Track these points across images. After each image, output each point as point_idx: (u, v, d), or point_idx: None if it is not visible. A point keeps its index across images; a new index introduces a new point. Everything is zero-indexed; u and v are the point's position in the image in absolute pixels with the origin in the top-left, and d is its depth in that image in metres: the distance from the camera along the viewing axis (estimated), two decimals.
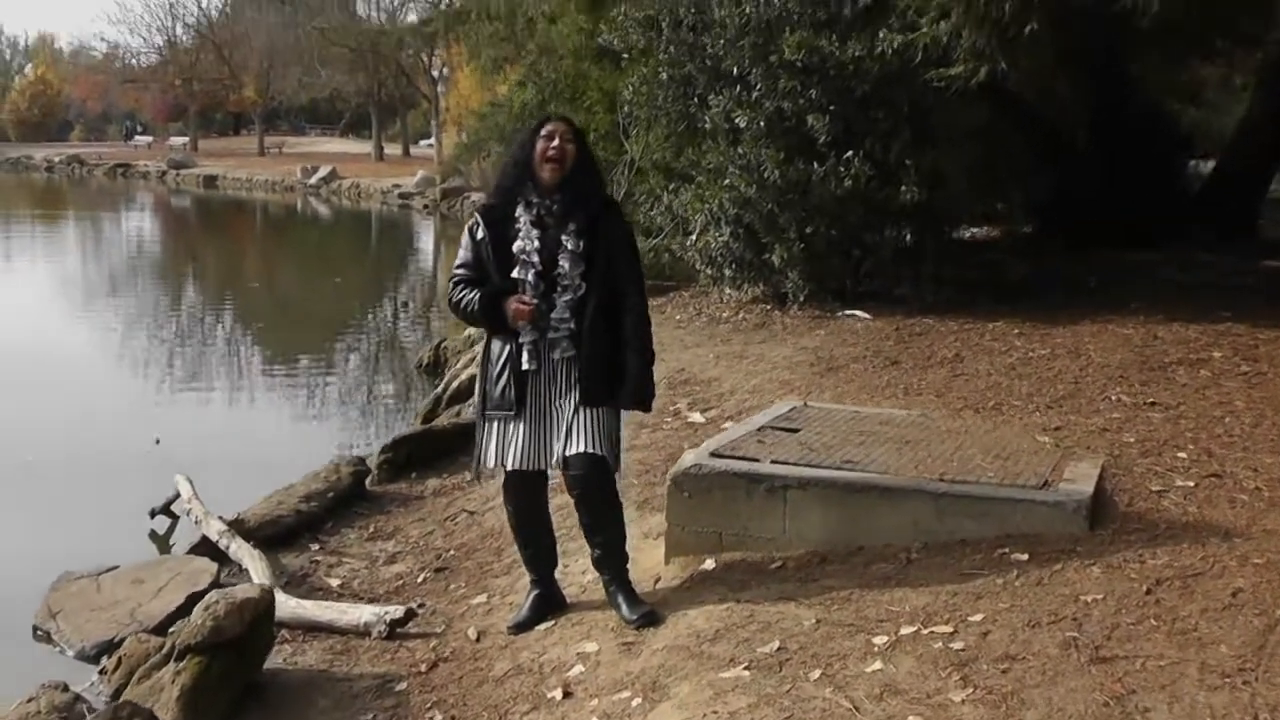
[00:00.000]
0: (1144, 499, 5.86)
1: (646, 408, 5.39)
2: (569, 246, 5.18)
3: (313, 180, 58.49)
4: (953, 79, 10.14)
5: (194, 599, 6.05)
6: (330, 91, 77.37)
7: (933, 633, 4.53)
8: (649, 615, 5.20)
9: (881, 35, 10.82)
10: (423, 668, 5.45)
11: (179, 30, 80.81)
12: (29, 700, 5.17)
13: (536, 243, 5.20)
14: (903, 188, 11.38)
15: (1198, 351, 9.29)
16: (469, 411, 9.99)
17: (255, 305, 22.24)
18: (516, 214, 5.26)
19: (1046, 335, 10.15)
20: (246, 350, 16.97)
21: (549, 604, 5.56)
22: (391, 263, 31.60)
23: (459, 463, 8.79)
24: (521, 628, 5.47)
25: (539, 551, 5.55)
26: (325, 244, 37.43)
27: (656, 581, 5.68)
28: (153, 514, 8.60)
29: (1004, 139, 12.76)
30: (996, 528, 5.41)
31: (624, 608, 5.27)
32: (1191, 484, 6.05)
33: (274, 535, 7.43)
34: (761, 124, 11.62)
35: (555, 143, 5.23)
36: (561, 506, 5.77)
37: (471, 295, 5.27)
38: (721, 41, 12.07)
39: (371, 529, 7.76)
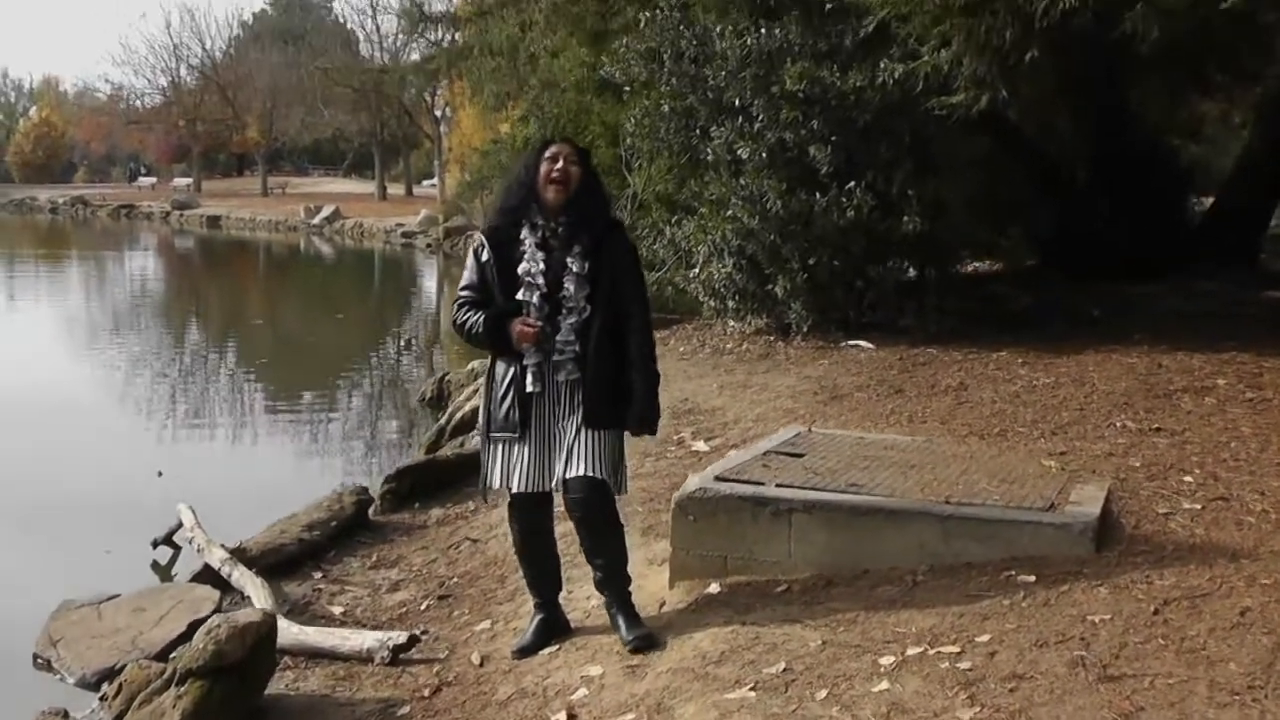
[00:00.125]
0: (1151, 521, 5.84)
1: (653, 430, 5.37)
2: (574, 268, 5.16)
3: (316, 220, 58.68)
4: (954, 107, 10.16)
5: (196, 626, 5.99)
6: (333, 132, 77.78)
7: (939, 653, 4.50)
8: (646, 638, 5.16)
9: (883, 65, 10.87)
10: (426, 692, 5.41)
11: (183, 71, 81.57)
12: None
13: (541, 264, 5.18)
14: (905, 218, 11.41)
15: (1202, 379, 9.28)
16: (472, 442, 9.98)
17: (258, 342, 22.26)
18: (521, 236, 5.24)
19: (1050, 364, 10.15)
20: (249, 386, 16.92)
21: (553, 628, 5.52)
22: (394, 301, 31.66)
23: (462, 492, 8.79)
24: (525, 652, 5.43)
25: (543, 574, 5.51)
26: (328, 283, 37.46)
27: (661, 605, 5.65)
28: (155, 544, 8.57)
29: (1005, 171, 12.83)
30: (1003, 550, 5.39)
31: (623, 629, 5.24)
32: (1198, 507, 6.03)
33: (276, 563, 7.39)
34: (764, 155, 11.66)
35: (559, 164, 5.22)
36: (567, 533, 5.74)
37: (476, 317, 5.26)
38: (723, 73, 12.12)
39: (374, 557, 7.72)
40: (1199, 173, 19.79)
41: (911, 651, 4.54)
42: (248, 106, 77.48)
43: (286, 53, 74.83)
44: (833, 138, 11.47)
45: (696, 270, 13.01)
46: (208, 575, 7.25)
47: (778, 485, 5.84)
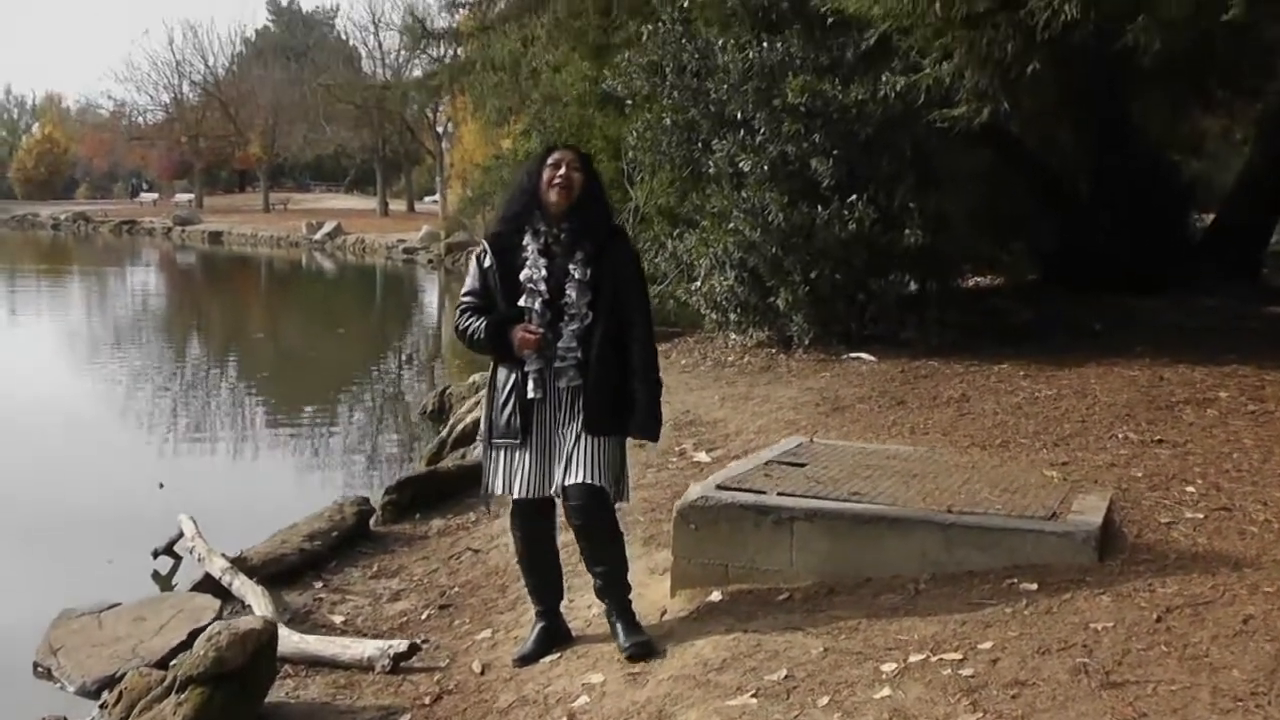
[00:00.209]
0: (1153, 531, 5.83)
1: (655, 437, 5.36)
2: (576, 275, 5.16)
3: (317, 236, 58.70)
4: (956, 119, 10.17)
5: (197, 635, 5.98)
6: (335, 148, 77.89)
7: (941, 660, 4.49)
8: (644, 645, 5.14)
9: (884, 78, 10.88)
10: (426, 700, 5.40)
11: (185, 88, 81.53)
12: None
13: (544, 271, 5.18)
14: (906, 231, 11.41)
15: (1204, 392, 9.28)
16: (473, 454, 9.97)
17: (260, 356, 22.26)
18: (524, 242, 5.24)
19: (1052, 377, 10.14)
20: (251, 400, 16.92)
21: (554, 637, 5.50)
22: (395, 316, 31.67)
23: (463, 504, 8.78)
24: (526, 660, 5.41)
25: (545, 582, 5.50)
26: (329, 298, 37.48)
27: (663, 614, 5.64)
28: (155, 554, 8.57)
29: (1007, 185, 12.86)
30: (1005, 559, 5.38)
31: (620, 636, 5.22)
32: (1200, 516, 6.02)
33: (277, 573, 7.39)
34: (765, 168, 11.68)
35: (562, 171, 5.22)
36: (569, 542, 5.73)
37: (478, 323, 5.26)
38: (725, 86, 12.15)
39: (375, 567, 7.71)
40: (1200, 189, 19.81)
41: (914, 658, 4.53)
42: (250, 123, 77.54)
43: (289, 69, 75.00)
44: (834, 151, 11.48)
45: (698, 283, 13.02)
46: (208, 584, 7.25)
47: (779, 494, 5.84)
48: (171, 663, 5.77)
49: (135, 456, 12.35)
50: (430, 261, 46.02)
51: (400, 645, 5.87)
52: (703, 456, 8.48)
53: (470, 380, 13.82)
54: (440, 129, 67.33)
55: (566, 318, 5.17)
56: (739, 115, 12.06)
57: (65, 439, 12.97)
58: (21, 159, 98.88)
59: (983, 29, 9.31)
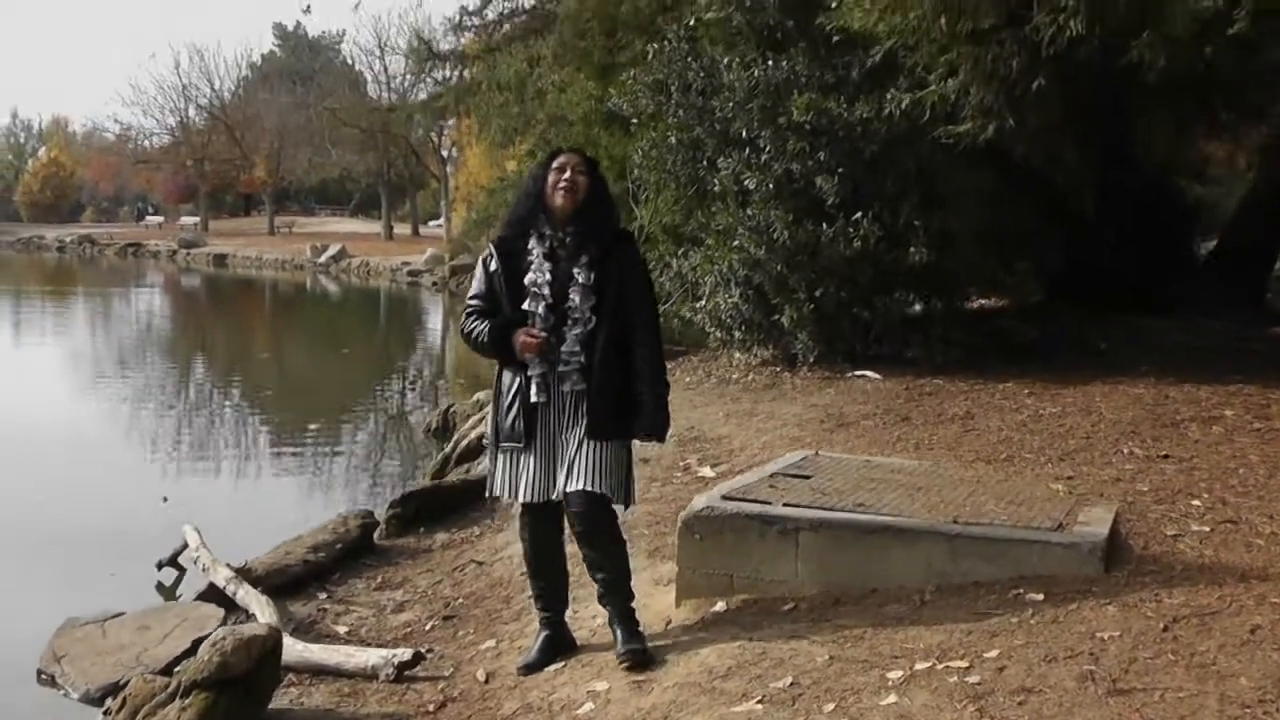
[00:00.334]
0: (1159, 543, 5.83)
1: (661, 438, 5.35)
2: (580, 279, 5.17)
3: (322, 259, 58.79)
4: (961, 136, 10.19)
5: (201, 644, 5.98)
6: (340, 172, 78.10)
7: (948, 667, 4.48)
8: (638, 653, 5.13)
9: (890, 95, 10.90)
10: (430, 708, 5.40)
11: (191, 112, 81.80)
12: None
13: (548, 275, 5.19)
14: (911, 249, 11.42)
15: (1209, 410, 9.28)
16: (478, 469, 9.97)
17: (265, 376, 22.27)
18: (529, 246, 5.26)
19: (1057, 395, 10.14)
20: (256, 418, 16.92)
21: (559, 645, 5.49)
22: (399, 336, 31.71)
23: (467, 518, 8.78)
24: (531, 669, 5.40)
25: (551, 588, 5.49)
26: (334, 319, 37.56)
27: (668, 624, 5.64)
28: (160, 565, 8.56)
29: (1011, 205, 12.82)
30: (1011, 569, 5.37)
31: (618, 642, 5.21)
32: (1207, 529, 6.02)
33: (282, 584, 7.37)
34: (770, 186, 11.70)
35: (567, 174, 5.23)
36: (577, 552, 5.72)
37: (482, 326, 5.28)
38: (730, 104, 12.17)
39: (379, 579, 7.69)
40: (1204, 215, 19.83)
41: (920, 666, 4.52)
42: (255, 146, 77.80)
43: (295, 93, 75.27)
44: (839, 169, 11.50)
45: (703, 301, 13.02)
46: (213, 594, 7.23)
47: (785, 504, 5.83)
48: (176, 669, 5.77)
49: (140, 473, 12.34)
50: (434, 284, 46.06)
51: (404, 654, 5.86)
52: (707, 471, 8.48)
53: (474, 398, 13.83)
54: (445, 153, 67.49)
55: (570, 322, 5.18)
56: (744, 133, 12.08)
57: (71, 456, 12.95)
58: (28, 182, 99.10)
59: (988, 45, 9.34)
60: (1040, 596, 5.08)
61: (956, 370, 11.42)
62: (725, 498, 5.94)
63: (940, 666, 4.50)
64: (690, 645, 5.20)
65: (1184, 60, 8.79)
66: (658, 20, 15.35)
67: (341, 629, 6.74)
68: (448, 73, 33.73)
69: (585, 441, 5.16)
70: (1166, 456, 7.73)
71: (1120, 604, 4.94)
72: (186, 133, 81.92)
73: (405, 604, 7.16)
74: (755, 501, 5.87)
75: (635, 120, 14.43)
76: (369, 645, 6.34)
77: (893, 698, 4.28)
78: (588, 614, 5.89)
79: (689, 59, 13.16)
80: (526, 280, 5.21)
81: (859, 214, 11.44)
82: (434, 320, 37.61)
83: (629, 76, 14.34)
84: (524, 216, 5.33)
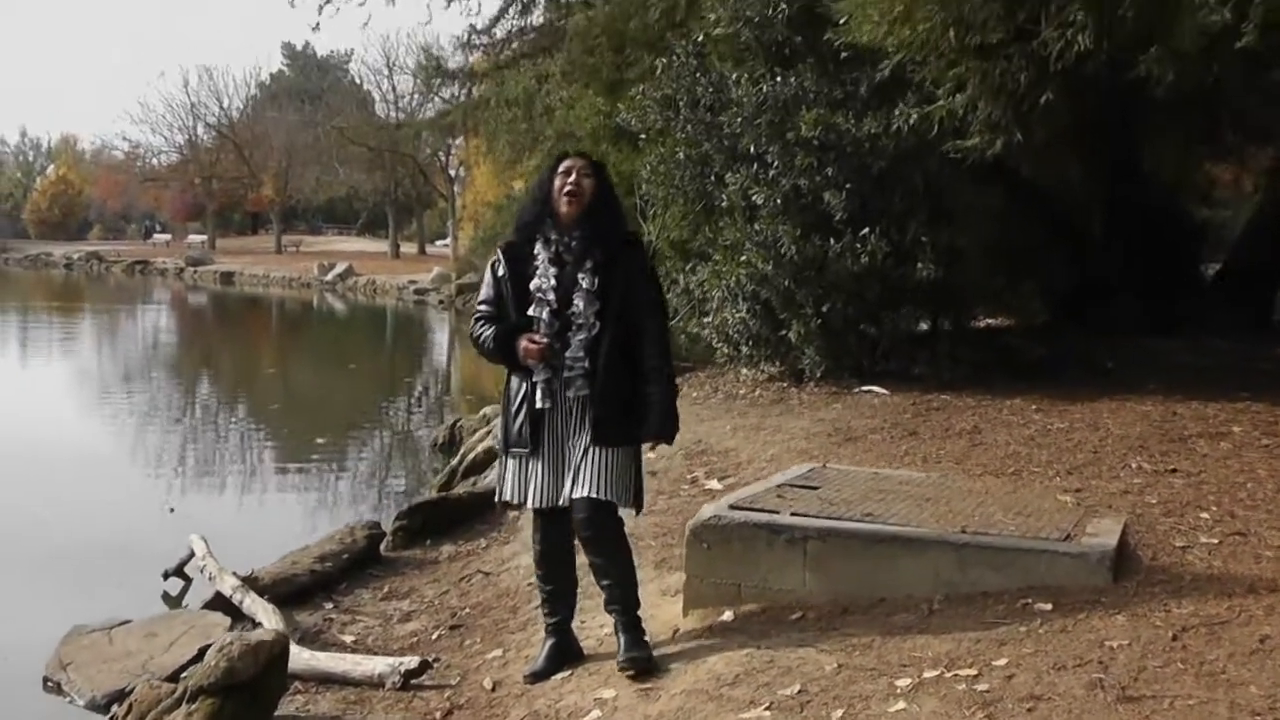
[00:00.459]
0: (1168, 554, 5.82)
1: (669, 440, 5.33)
2: (584, 284, 5.16)
3: (329, 277, 58.90)
4: (968, 151, 10.19)
5: (207, 651, 5.98)
6: (347, 191, 78.20)
7: (956, 675, 4.47)
8: (638, 660, 5.11)
9: (898, 110, 10.90)
10: (437, 715, 5.40)
11: (200, 130, 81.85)
12: None
13: (553, 280, 5.20)
14: (919, 265, 11.41)
15: (1217, 426, 9.26)
16: (485, 482, 9.99)
17: (272, 391, 22.32)
18: (535, 251, 5.26)
19: (1065, 411, 10.12)
20: (263, 432, 16.92)
21: (566, 654, 5.48)
22: (406, 353, 31.73)
23: (474, 530, 8.82)
24: (538, 677, 5.39)
25: (559, 593, 5.47)
26: (341, 336, 37.61)
27: (675, 633, 5.63)
28: (166, 575, 8.58)
29: (1018, 221, 12.83)
30: (1019, 579, 5.36)
31: (620, 650, 5.19)
32: (1215, 541, 6.01)
33: (288, 594, 7.37)
34: (778, 201, 11.70)
35: (572, 178, 5.24)
36: (585, 561, 5.72)
37: (488, 331, 5.29)
38: (739, 120, 12.17)
39: (386, 589, 7.70)
40: (1209, 237, 19.86)
41: (928, 674, 4.51)
42: (263, 165, 77.93)
43: (303, 112, 75.37)
44: (847, 184, 11.49)
45: (710, 316, 13.03)
46: (219, 603, 7.24)
47: (792, 514, 5.82)
48: (182, 675, 5.76)
49: (147, 487, 12.33)
50: (441, 302, 46.13)
51: (411, 662, 5.86)
52: (714, 484, 8.46)
53: (481, 413, 13.84)
54: (452, 172, 67.59)
55: (574, 327, 5.18)
56: (752, 149, 12.07)
57: (78, 470, 12.97)
58: (36, 200, 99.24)
59: (996, 59, 9.35)
60: (1049, 606, 5.07)
61: (964, 386, 11.41)
62: (733, 507, 5.93)
63: (949, 675, 4.49)
64: (698, 653, 5.18)
65: (1192, 75, 8.79)
66: (666, 36, 15.37)
67: (348, 638, 6.74)
68: (456, 90, 33.83)
69: (591, 448, 5.16)
70: (1174, 471, 7.71)
71: (1129, 613, 4.93)
72: (195, 151, 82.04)
73: (412, 614, 7.16)
74: (763, 511, 5.86)
75: (643, 136, 14.43)
76: (375, 654, 6.34)
77: (901, 705, 4.27)
78: (595, 623, 5.88)
79: (697, 74, 13.18)
80: (531, 286, 5.22)
81: (866, 229, 11.43)
82: (440, 338, 37.65)
83: (638, 92, 14.36)
84: (530, 221, 5.34)
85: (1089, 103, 10.57)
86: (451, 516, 9.05)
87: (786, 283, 11.76)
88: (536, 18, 25.88)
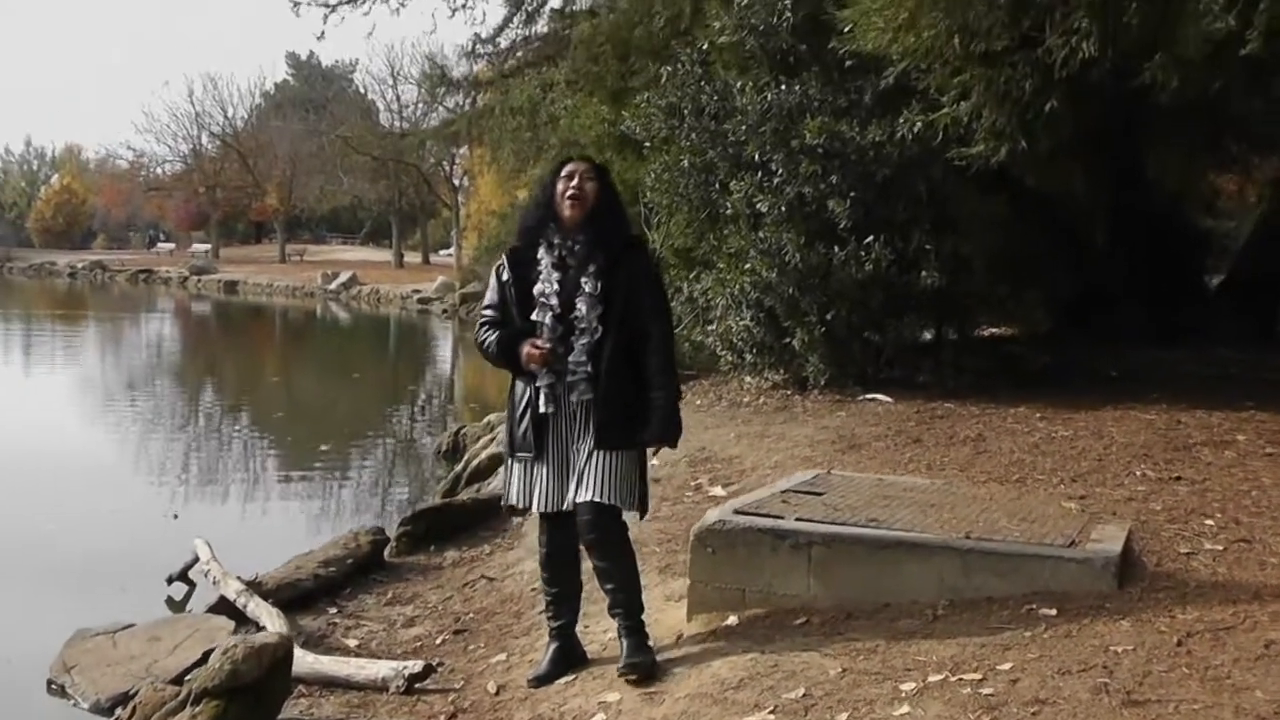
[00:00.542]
0: (1172, 560, 5.81)
1: (672, 444, 5.33)
2: (586, 289, 5.16)
3: (333, 286, 58.98)
4: (973, 158, 10.19)
5: (211, 655, 5.98)
6: (352, 200, 78.29)
7: (961, 679, 4.47)
8: (640, 666, 5.11)
9: (903, 118, 10.91)
10: (441, 719, 5.39)
11: (204, 139, 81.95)
12: None
13: (556, 285, 5.20)
14: (923, 273, 11.42)
15: (1221, 435, 9.25)
16: (489, 488, 9.99)
17: (275, 399, 22.34)
18: (539, 255, 5.26)
19: (1069, 419, 10.11)
20: (266, 440, 16.91)
21: (569, 658, 5.48)
22: (409, 362, 31.81)
23: (478, 536, 8.83)
24: (542, 681, 5.39)
25: (564, 596, 5.47)
26: (344, 345, 37.63)
27: (679, 638, 5.62)
28: (170, 580, 8.58)
29: (1024, 230, 12.83)
30: (1024, 585, 5.36)
31: (623, 655, 5.20)
32: (1220, 548, 6.00)
33: (292, 598, 7.37)
34: (782, 209, 11.70)
35: (575, 182, 5.24)
36: (590, 567, 5.72)
37: (493, 336, 5.29)
38: (743, 128, 12.17)
39: (390, 594, 7.71)
40: (1212, 247, 19.85)
41: (933, 678, 4.51)
42: (268, 174, 77.99)
43: (307, 121, 75.48)
44: (851, 192, 11.49)
45: (714, 324, 13.03)
46: (223, 606, 7.24)
47: (797, 519, 5.82)
48: (187, 677, 5.76)
49: (151, 494, 12.35)
50: (445, 311, 46.20)
51: (415, 666, 5.86)
52: (718, 491, 8.46)
53: (485, 421, 13.85)
54: (456, 181, 67.68)
55: (577, 331, 5.17)
56: (757, 156, 12.08)
57: (83, 477, 12.98)
58: (40, 209, 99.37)
59: (1000, 67, 9.36)
60: (1053, 611, 5.07)
61: (968, 395, 11.40)
62: (738, 512, 5.92)
63: (954, 679, 4.49)
64: (702, 658, 5.18)
65: (1196, 83, 8.80)
66: (671, 44, 15.37)
67: (352, 642, 6.75)
68: (460, 99, 33.86)
69: (595, 452, 5.16)
70: (1179, 478, 7.70)
71: (1134, 619, 4.93)
72: (199, 160, 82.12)
73: (415, 619, 7.17)
74: (768, 516, 5.86)
75: (648, 144, 14.45)
76: (379, 658, 6.33)
77: (906, 708, 4.27)
78: (599, 628, 5.88)
79: (702, 83, 13.21)
80: (535, 290, 5.22)
81: (871, 237, 11.44)
82: (444, 347, 37.71)
83: (642, 100, 14.37)
84: (533, 226, 5.34)
85: (1093, 110, 10.57)
86: (455, 522, 9.06)
87: (791, 290, 11.76)
88: (541, 26, 25.87)
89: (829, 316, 11.73)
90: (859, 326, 11.90)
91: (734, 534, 5.74)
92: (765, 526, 5.74)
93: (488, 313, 5.38)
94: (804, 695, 4.52)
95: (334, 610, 7.41)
